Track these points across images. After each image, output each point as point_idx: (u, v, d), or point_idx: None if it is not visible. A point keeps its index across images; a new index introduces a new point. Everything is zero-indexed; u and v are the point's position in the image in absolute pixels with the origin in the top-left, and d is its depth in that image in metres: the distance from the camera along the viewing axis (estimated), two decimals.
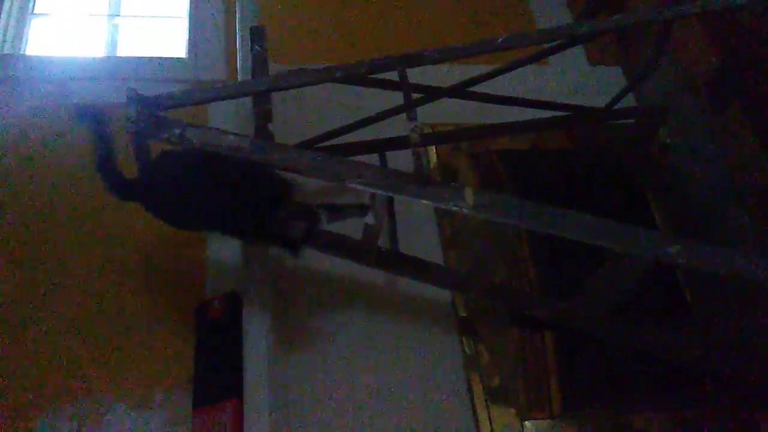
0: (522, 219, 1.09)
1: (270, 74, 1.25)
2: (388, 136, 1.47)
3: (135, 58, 1.93)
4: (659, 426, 1.41)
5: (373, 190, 1.09)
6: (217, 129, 1.11)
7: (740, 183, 1.47)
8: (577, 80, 1.88)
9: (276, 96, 1.26)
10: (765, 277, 1.09)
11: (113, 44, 2.00)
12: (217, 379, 1.23)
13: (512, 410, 1.34)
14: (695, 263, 1.08)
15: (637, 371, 1.43)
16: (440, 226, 1.54)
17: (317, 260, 1.38)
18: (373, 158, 1.47)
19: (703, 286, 1.49)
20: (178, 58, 1.89)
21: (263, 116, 1.20)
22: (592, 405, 1.40)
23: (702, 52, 1.56)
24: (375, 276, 1.40)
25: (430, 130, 1.63)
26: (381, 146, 1.40)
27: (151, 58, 1.87)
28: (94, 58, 1.91)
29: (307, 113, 1.57)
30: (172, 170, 1.16)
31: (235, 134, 1.09)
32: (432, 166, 1.63)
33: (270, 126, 1.20)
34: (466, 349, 1.40)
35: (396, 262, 1.32)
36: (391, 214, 1.44)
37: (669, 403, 1.43)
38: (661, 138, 1.70)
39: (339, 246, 1.29)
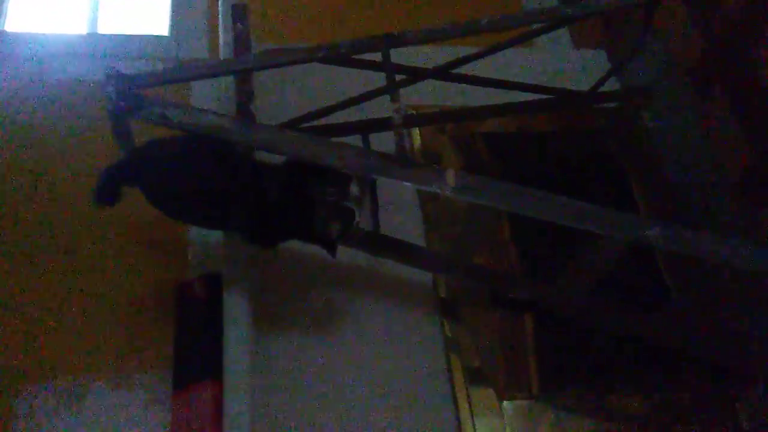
0: (502, 201, 1.10)
1: (252, 53, 1.24)
2: (371, 117, 1.46)
3: (116, 35, 1.90)
4: (638, 407, 1.43)
5: (354, 172, 1.09)
6: (198, 108, 1.10)
7: (722, 167, 1.48)
8: (563, 63, 1.87)
9: (258, 75, 1.25)
10: (743, 261, 1.11)
11: (94, 21, 1.97)
12: (198, 359, 1.23)
13: (491, 391, 1.35)
14: (673, 246, 1.10)
15: (616, 353, 1.44)
16: (423, 208, 1.54)
17: (299, 241, 1.37)
18: (357, 139, 1.46)
19: (682, 270, 1.50)
20: (160, 35, 1.87)
21: (245, 96, 1.19)
22: (571, 386, 1.41)
23: (686, 37, 1.57)
24: (357, 257, 1.40)
25: (414, 112, 1.63)
26: (364, 127, 1.40)
27: (132, 36, 1.85)
28: (74, 35, 1.88)
29: (289, 93, 1.56)
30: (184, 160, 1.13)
31: (215, 113, 1.08)
32: (415, 147, 1.63)
33: (252, 106, 1.19)
34: (447, 330, 1.41)
35: (377, 243, 1.32)
36: (374, 196, 1.44)
37: (648, 385, 1.45)
38: (644, 121, 1.71)
39: None
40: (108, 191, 1.13)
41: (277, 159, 1.14)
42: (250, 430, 1.10)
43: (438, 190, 1.09)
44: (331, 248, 1.17)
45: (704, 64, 1.53)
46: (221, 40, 1.36)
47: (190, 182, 1.11)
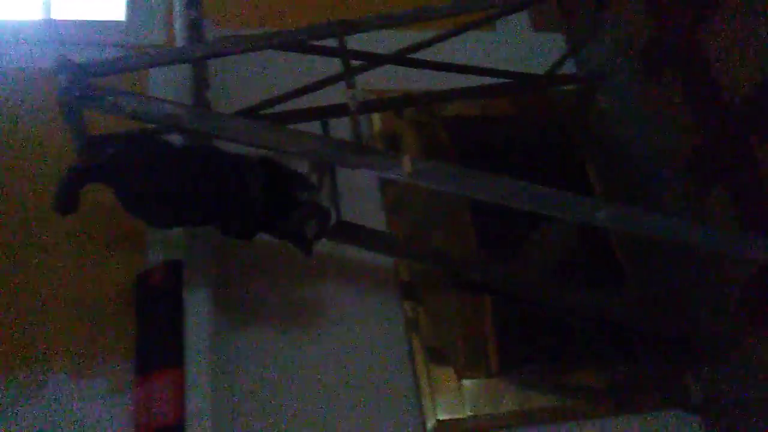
0: (458, 186, 1.12)
1: (206, 41, 1.24)
2: (329, 103, 1.47)
3: (71, 21, 1.86)
4: (595, 382, 1.48)
5: (311, 159, 1.10)
6: (153, 97, 1.10)
7: (672, 148, 1.53)
8: (522, 47, 1.89)
9: (215, 63, 1.25)
10: (688, 240, 1.15)
11: (48, 6, 1.93)
12: (159, 347, 1.23)
13: (451, 370, 1.38)
14: (621, 226, 1.13)
15: (573, 331, 1.49)
16: (383, 193, 1.55)
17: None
18: (317, 125, 1.46)
19: (635, 249, 1.55)
20: (116, 21, 1.84)
21: (201, 84, 1.19)
22: (529, 364, 1.45)
23: (638, 21, 1.60)
24: (318, 242, 1.41)
25: (374, 96, 1.63)
26: (322, 113, 1.40)
27: (88, 21, 1.81)
28: (28, 21, 1.84)
29: (246, 80, 1.55)
30: (149, 162, 1.12)
31: (170, 102, 1.08)
32: (375, 133, 1.63)
33: (207, 94, 1.19)
34: (408, 312, 1.43)
35: (338, 229, 1.33)
36: (334, 182, 1.45)
37: (605, 360, 1.50)
38: (599, 104, 1.74)
39: None
40: (70, 198, 1.12)
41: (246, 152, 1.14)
42: (211, 416, 1.12)
43: (394, 177, 1.10)
44: (306, 247, 1.18)
45: (654, 48, 1.56)
46: (176, 27, 1.35)
47: (171, 183, 1.11)
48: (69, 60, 1.04)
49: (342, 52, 1.21)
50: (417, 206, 1.56)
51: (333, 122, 1.47)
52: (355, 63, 1.29)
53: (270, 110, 1.35)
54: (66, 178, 1.11)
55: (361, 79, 1.51)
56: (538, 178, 1.12)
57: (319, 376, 1.32)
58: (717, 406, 1.42)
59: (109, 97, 1.06)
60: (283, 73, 1.52)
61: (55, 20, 1.89)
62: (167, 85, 1.46)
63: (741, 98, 1.33)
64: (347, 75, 1.18)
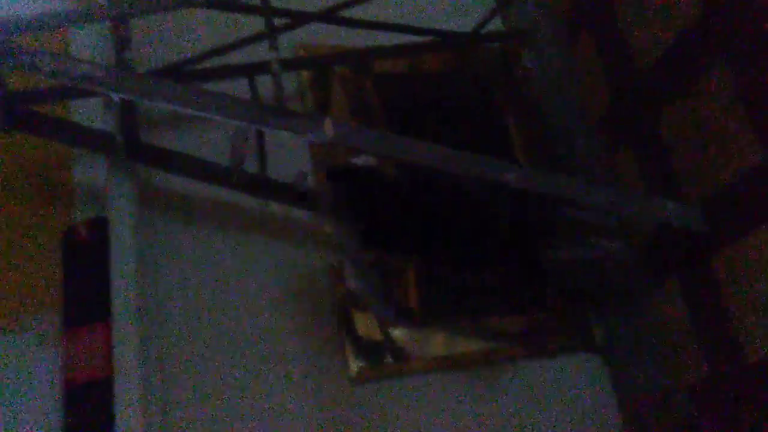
0: (378, 149, 1.16)
1: None
2: (259, 59, 1.47)
3: None
4: (513, 326, 1.58)
5: (232, 121, 1.12)
6: (71, 57, 1.09)
7: (587, 108, 1.60)
8: (452, 3, 1.91)
9: (137, 21, 1.24)
10: (596, 204, 1.23)
11: None
12: (86, 302, 1.27)
13: (374, 319, 1.45)
14: (531, 188, 1.20)
15: (494, 283, 1.58)
16: (312, 152, 1.58)
17: (186, 183, 1.40)
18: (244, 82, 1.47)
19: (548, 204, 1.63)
20: None
21: (121, 43, 1.19)
22: (449, 312, 1.54)
23: None
24: (247, 199, 1.44)
25: (302, 53, 1.65)
26: (248, 70, 1.41)
27: None
28: None
29: (169, 39, 1.54)
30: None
31: (88, 62, 1.08)
32: (304, 90, 1.65)
33: (128, 53, 1.18)
34: (334, 264, 1.49)
35: (262, 186, 1.36)
36: (261, 139, 1.47)
37: (522, 307, 1.60)
38: (524, 62, 1.80)
39: (204, 171, 1.33)
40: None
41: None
42: (139, 369, 1.16)
43: (316, 140, 1.14)
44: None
45: (575, 8, 1.62)
46: None
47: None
48: None
49: (265, 10, 1.22)
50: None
51: (264, 78, 1.48)
52: (279, 21, 1.30)
53: (194, 67, 1.36)
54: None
55: (289, 35, 1.53)
56: (462, 136, 1.17)
57: (244, 326, 1.38)
58: (618, 347, 1.54)
59: (27, 57, 1.05)
60: (208, 31, 1.51)
61: None
62: (88, 44, 1.44)
63: (650, 62, 1.40)
64: (270, 35, 1.19)
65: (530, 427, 1.47)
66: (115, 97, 1.06)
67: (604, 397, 1.53)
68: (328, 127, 1.13)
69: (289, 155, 1.54)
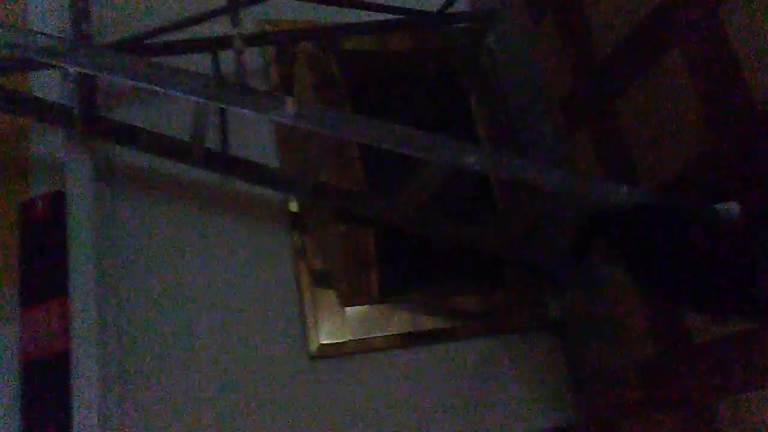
0: (339, 130, 1.17)
1: None
2: (222, 33, 1.46)
3: None
4: (473, 305, 1.61)
5: (192, 98, 1.11)
6: (27, 29, 1.07)
7: (550, 94, 1.62)
8: None
9: None
10: (552, 186, 1.25)
11: None
12: (44, 278, 1.26)
13: (335, 296, 1.47)
14: (491, 171, 1.22)
15: (452, 260, 1.60)
16: (276, 127, 1.58)
17: (145, 158, 1.39)
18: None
19: (509, 184, 1.66)
20: None
21: (79, 15, 1.16)
22: (410, 291, 1.56)
23: None
24: (208, 175, 1.44)
25: (267, 28, 1.63)
26: (210, 46, 1.40)
27: None
28: None
29: (130, 12, 1.51)
30: None
31: (45, 35, 1.06)
32: (268, 67, 1.64)
33: (86, 25, 1.16)
34: (296, 240, 1.50)
35: (224, 163, 1.36)
36: (223, 115, 1.46)
37: (481, 286, 1.63)
38: (489, 44, 1.81)
39: (164, 146, 1.32)
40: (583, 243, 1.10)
41: None
42: (97, 344, 1.16)
43: (278, 119, 1.13)
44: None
45: None
46: None
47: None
48: None
49: None
50: (308, 142, 1.59)
51: (229, 53, 1.46)
52: None
53: (155, 41, 1.34)
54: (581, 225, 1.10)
55: (255, 10, 1.51)
56: (426, 115, 1.18)
57: (205, 302, 1.38)
58: (572, 326, 1.59)
59: None
60: (171, 3, 1.49)
61: None
62: (46, 16, 1.40)
63: (610, 47, 1.42)
64: (232, 9, 1.18)
65: (488, 401, 1.51)
66: (73, 69, 1.05)
67: (559, 374, 1.58)
68: (290, 107, 1.13)
69: (254, 132, 1.54)
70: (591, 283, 1.52)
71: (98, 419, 1.15)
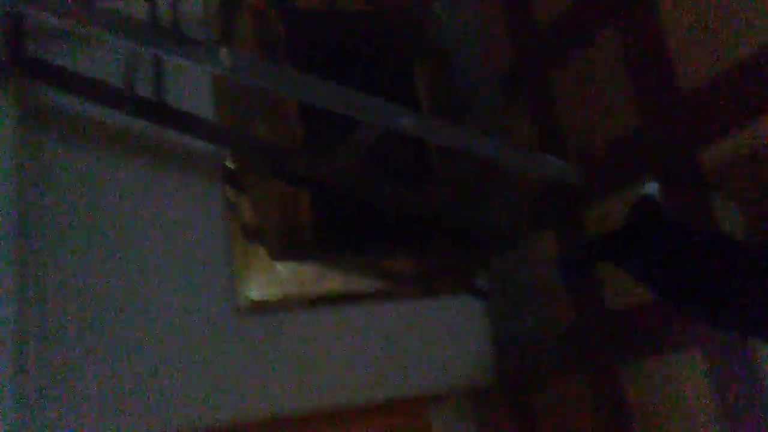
0: (274, 83, 1.16)
1: None
2: None
3: None
4: (404, 269, 1.64)
5: (124, 42, 1.08)
6: None
7: (492, 66, 1.64)
8: None
9: None
10: (483, 155, 1.28)
11: None
12: None
13: (266, 253, 1.47)
14: (424, 135, 1.24)
15: (387, 224, 1.62)
16: (214, 79, 1.55)
17: (75, 103, 1.35)
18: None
19: (448, 152, 1.68)
20: None
21: None
22: (344, 251, 1.58)
23: None
24: (141, 124, 1.40)
25: None
26: None
27: None
28: None
29: None
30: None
31: None
32: (209, 18, 1.60)
33: None
34: (229, 196, 1.48)
35: (156, 112, 1.33)
36: (159, 63, 1.42)
37: (412, 251, 1.65)
38: (435, 11, 1.81)
39: (94, 91, 1.28)
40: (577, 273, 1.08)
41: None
42: (18, 300, 1.13)
43: (212, 69, 1.11)
44: None
45: None
46: None
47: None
48: None
49: None
50: (247, 96, 1.57)
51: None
52: None
53: None
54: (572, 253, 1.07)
55: None
56: (369, 79, 1.17)
57: (132, 254, 1.36)
58: (497, 290, 1.64)
59: None
60: None
61: None
62: None
63: (549, 24, 1.45)
64: None
65: (413, 361, 1.54)
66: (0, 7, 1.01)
67: (482, 337, 1.63)
68: (225, 57, 1.11)
69: (190, 83, 1.50)
70: (516, 253, 1.57)
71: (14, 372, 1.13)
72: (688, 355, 1.15)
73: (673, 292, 1.01)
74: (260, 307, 1.44)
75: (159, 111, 1.33)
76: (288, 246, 1.49)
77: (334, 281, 1.53)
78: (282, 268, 1.48)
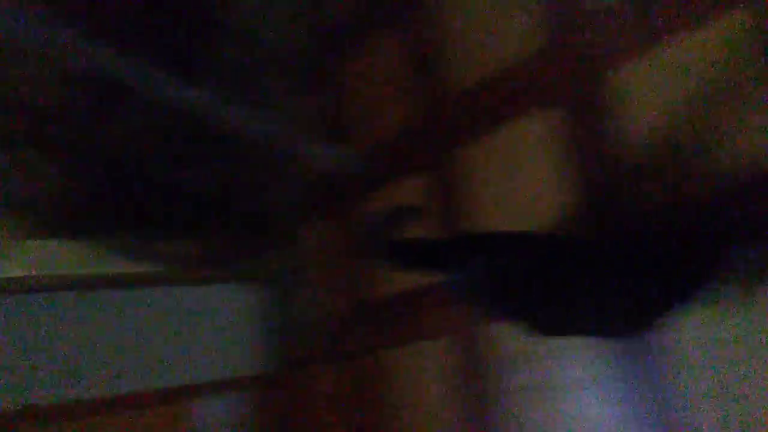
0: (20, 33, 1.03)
1: None
2: None
3: None
4: (189, 251, 1.55)
5: None
6: None
7: (288, 50, 1.61)
8: None
9: None
10: (259, 139, 1.24)
11: None
12: None
13: (17, 229, 1.31)
14: (195, 111, 1.17)
15: (168, 203, 1.52)
16: None
17: None
18: None
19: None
20: None
21: None
22: (110, 230, 1.45)
23: None
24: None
25: None
26: None
27: None
28: None
29: None
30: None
31: None
32: None
33: None
34: None
35: None
36: None
37: (197, 232, 1.57)
38: None
39: None
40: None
41: None
42: None
43: None
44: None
45: None
46: None
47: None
48: None
49: None
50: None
51: None
52: None
53: None
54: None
55: None
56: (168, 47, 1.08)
57: None
58: (279, 278, 1.62)
59: None
60: None
61: None
62: None
63: (339, 11, 1.45)
64: None
65: (190, 349, 1.48)
66: None
67: (260, 324, 1.61)
68: None
69: None
70: (299, 240, 1.56)
71: None
72: (441, 344, 1.21)
73: (502, 300, 1.00)
74: (8, 286, 1.28)
75: None
76: (42, 220, 1.34)
77: (94, 262, 1.41)
78: (35, 246, 1.33)
